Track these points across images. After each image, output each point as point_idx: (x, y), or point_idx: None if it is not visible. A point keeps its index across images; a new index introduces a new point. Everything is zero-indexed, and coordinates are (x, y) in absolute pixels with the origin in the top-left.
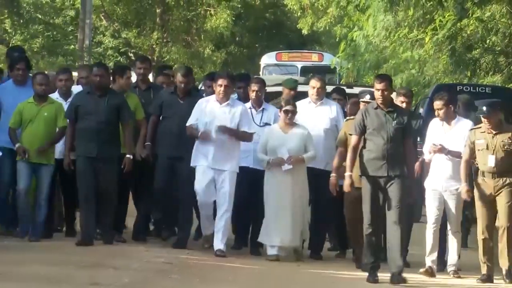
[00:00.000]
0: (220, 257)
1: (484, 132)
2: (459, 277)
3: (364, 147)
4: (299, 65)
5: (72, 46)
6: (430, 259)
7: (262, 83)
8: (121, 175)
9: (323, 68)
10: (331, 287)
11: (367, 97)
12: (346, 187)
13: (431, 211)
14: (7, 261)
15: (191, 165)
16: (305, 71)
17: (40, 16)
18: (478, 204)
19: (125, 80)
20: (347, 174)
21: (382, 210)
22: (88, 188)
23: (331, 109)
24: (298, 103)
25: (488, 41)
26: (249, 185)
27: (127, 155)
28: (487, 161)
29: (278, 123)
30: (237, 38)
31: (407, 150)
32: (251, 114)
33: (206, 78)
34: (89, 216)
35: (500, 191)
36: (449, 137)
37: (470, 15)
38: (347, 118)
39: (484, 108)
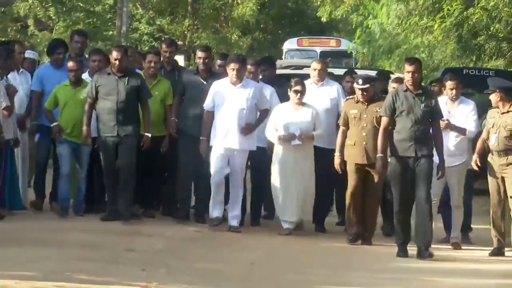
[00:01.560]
0: (234, 232)
1: (496, 111)
2: (460, 249)
3: (393, 128)
4: (319, 50)
5: (111, 32)
6: (455, 235)
7: (256, 65)
8: (150, 153)
9: (340, 52)
10: (361, 259)
11: (359, 82)
12: (378, 168)
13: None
14: (49, 229)
15: (211, 144)
16: (324, 55)
17: (81, 4)
18: (489, 180)
19: (147, 63)
20: (378, 155)
21: (410, 189)
22: (112, 166)
23: (331, 90)
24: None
25: (492, 28)
26: (256, 163)
27: (146, 134)
28: (491, 139)
29: (288, 102)
30: (261, 25)
31: (436, 132)
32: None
33: (217, 57)
34: (113, 191)
35: (505, 169)
36: (453, 115)
37: (475, 4)
38: (347, 98)
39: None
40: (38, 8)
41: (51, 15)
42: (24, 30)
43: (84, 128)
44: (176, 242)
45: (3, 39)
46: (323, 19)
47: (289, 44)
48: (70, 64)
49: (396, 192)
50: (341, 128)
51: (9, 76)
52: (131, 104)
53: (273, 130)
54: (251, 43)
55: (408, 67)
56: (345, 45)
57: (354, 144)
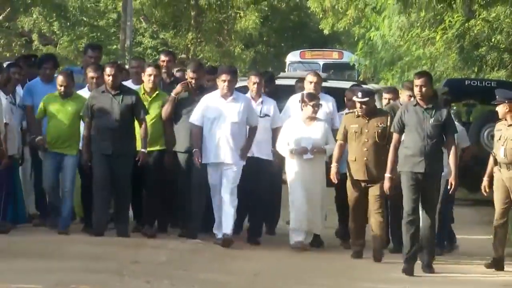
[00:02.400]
0: (226, 241)
1: (504, 124)
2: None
3: (402, 143)
4: (321, 62)
5: (115, 46)
6: None
7: (261, 76)
8: (153, 168)
9: (343, 65)
10: (363, 275)
11: (359, 95)
12: (386, 190)
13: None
14: (52, 241)
15: (203, 161)
16: (327, 67)
17: (85, 19)
18: (496, 193)
19: (147, 76)
20: (387, 175)
21: (418, 206)
22: (103, 181)
23: (327, 104)
24: (294, 97)
25: (493, 39)
26: (251, 173)
27: (142, 149)
28: (499, 152)
29: (299, 116)
30: (264, 38)
31: (449, 149)
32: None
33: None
34: (102, 207)
35: None
36: None
37: (477, 16)
38: (346, 112)
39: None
40: (42, 23)
41: (55, 30)
42: (29, 45)
43: (85, 153)
44: (180, 253)
45: (8, 54)
46: (326, 32)
47: (292, 57)
48: (60, 78)
49: (405, 207)
50: (338, 142)
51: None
52: (126, 122)
53: (284, 144)
54: (254, 56)
55: (416, 81)
56: (348, 57)
57: (355, 160)
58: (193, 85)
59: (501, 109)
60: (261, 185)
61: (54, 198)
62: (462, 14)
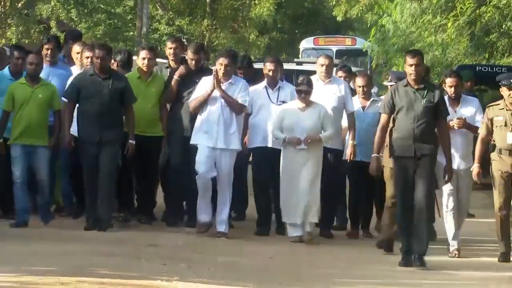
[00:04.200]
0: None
1: (503, 108)
2: (459, 256)
3: (393, 126)
4: (334, 48)
5: (131, 33)
6: (456, 243)
7: (277, 62)
8: (146, 153)
9: (356, 51)
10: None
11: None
12: (371, 170)
13: (448, 192)
14: (69, 225)
15: (191, 142)
16: (340, 54)
17: (102, 6)
18: (493, 182)
19: (140, 59)
20: (373, 155)
21: (412, 194)
22: (93, 172)
23: (339, 88)
24: (313, 78)
25: (504, 26)
26: (270, 165)
27: (130, 141)
28: (506, 138)
29: (295, 101)
30: (278, 25)
31: (441, 130)
32: (267, 93)
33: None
34: (94, 199)
35: None
36: (458, 114)
37: (488, 3)
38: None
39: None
40: (60, 10)
41: (73, 17)
42: (47, 31)
43: (66, 134)
44: (196, 237)
45: (26, 41)
46: (339, 19)
47: (306, 43)
48: (31, 57)
49: (398, 197)
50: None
51: None
52: (115, 108)
53: (278, 132)
54: (268, 42)
55: (410, 60)
56: (361, 43)
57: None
58: (193, 66)
59: (506, 92)
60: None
61: (21, 196)
62: (473, 1)
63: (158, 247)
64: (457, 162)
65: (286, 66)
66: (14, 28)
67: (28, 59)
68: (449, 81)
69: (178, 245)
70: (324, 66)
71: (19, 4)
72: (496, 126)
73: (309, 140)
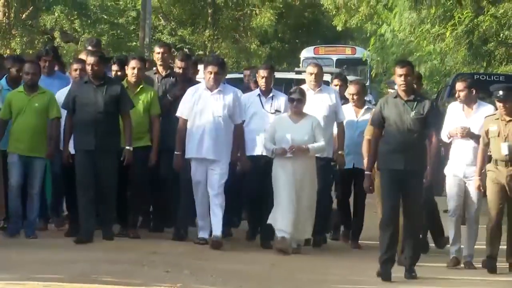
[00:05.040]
0: (216, 243)
1: (498, 119)
2: (474, 268)
3: (383, 138)
4: (334, 58)
5: (134, 43)
6: (454, 249)
7: (270, 69)
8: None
9: (355, 60)
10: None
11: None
12: (366, 189)
13: (452, 198)
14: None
15: (186, 156)
16: (340, 63)
17: (105, 17)
18: (489, 193)
19: (130, 69)
20: (366, 173)
21: (398, 205)
22: (88, 182)
23: (330, 96)
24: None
25: (501, 35)
26: (260, 174)
27: (127, 147)
28: (500, 149)
29: (288, 112)
30: (279, 35)
31: (428, 143)
32: (260, 101)
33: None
34: (88, 211)
35: None
36: (471, 122)
37: (485, 12)
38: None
39: (501, 92)
40: (64, 21)
41: (77, 28)
42: (51, 42)
43: (65, 150)
44: (197, 245)
45: (31, 51)
46: (339, 28)
47: (306, 53)
48: (27, 66)
49: (384, 210)
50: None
51: None
52: (111, 115)
53: (269, 143)
54: (269, 52)
55: (400, 70)
56: (360, 53)
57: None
58: (181, 75)
59: (498, 105)
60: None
61: (16, 202)
62: (471, 11)
63: (161, 254)
64: (463, 170)
65: (287, 75)
66: (18, 39)
67: (24, 69)
68: (457, 85)
69: (180, 253)
70: (313, 75)
71: (24, 15)
72: (491, 137)
73: (293, 149)
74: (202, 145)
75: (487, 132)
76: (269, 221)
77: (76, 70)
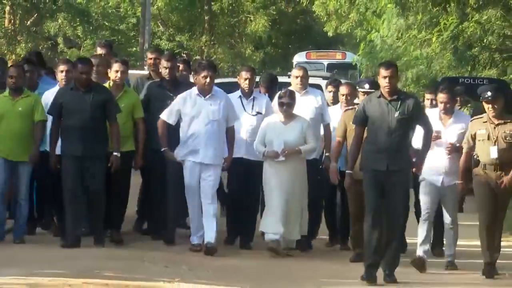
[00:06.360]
0: (210, 249)
1: (486, 122)
2: (455, 269)
3: (366, 138)
4: (325, 62)
5: (134, 49)
6: (422, 249)
7: (252, 71)
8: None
9: (346, 65)
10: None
11: (366, 86)
12: (346, 187)
13: (426, 203)
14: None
15: (179, 159)
16: (331, 67)
17: (107, 23)
18: (478, 197)
19: (113, 72)
20: (347, 172)
21: (380, 206)
22: (75, 188)
23: (316, 99)
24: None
25: (485, 40)
26: (242, 176)
27: (114, 153)
28: (489, 153)
29: (277, 115)
30: (273, 40)
31: (423, 139)
32: (242, 103)
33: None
34: (75, 217)
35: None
36: (448, 130)
37: (470, 19)
38: (346, 108)
39: (489, 93)
40: (67, 27)
41: (79, 34)
42: (54, 48)
43: (52, 155)
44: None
45: None
46: (330, 34)
47: (298, 57)
48: (11, 70)
49: (366, 211)
50: (337, 139)
51: None
52: (97, 122)
53: (260, 146)
54: (263, 57)
55: (384, 72)
56: (350, 57)
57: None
58: (167, 75)
59: (486, 107)
60: (253, 189)
61: (1, 205)
62: (456, 17)
63: (160, 251)
64: (441, 178)
65: (280, 79)
66: (23, 44)
67: (8, 72)
68: (440, 96)
69: (179, 249)
70: (299, 78)
71: (28, 22)
72: (479, 140)
73: (286, 152)
74: (198, 150)
75: (474, 136)
76: (260, 229)
77: (62, 71)
